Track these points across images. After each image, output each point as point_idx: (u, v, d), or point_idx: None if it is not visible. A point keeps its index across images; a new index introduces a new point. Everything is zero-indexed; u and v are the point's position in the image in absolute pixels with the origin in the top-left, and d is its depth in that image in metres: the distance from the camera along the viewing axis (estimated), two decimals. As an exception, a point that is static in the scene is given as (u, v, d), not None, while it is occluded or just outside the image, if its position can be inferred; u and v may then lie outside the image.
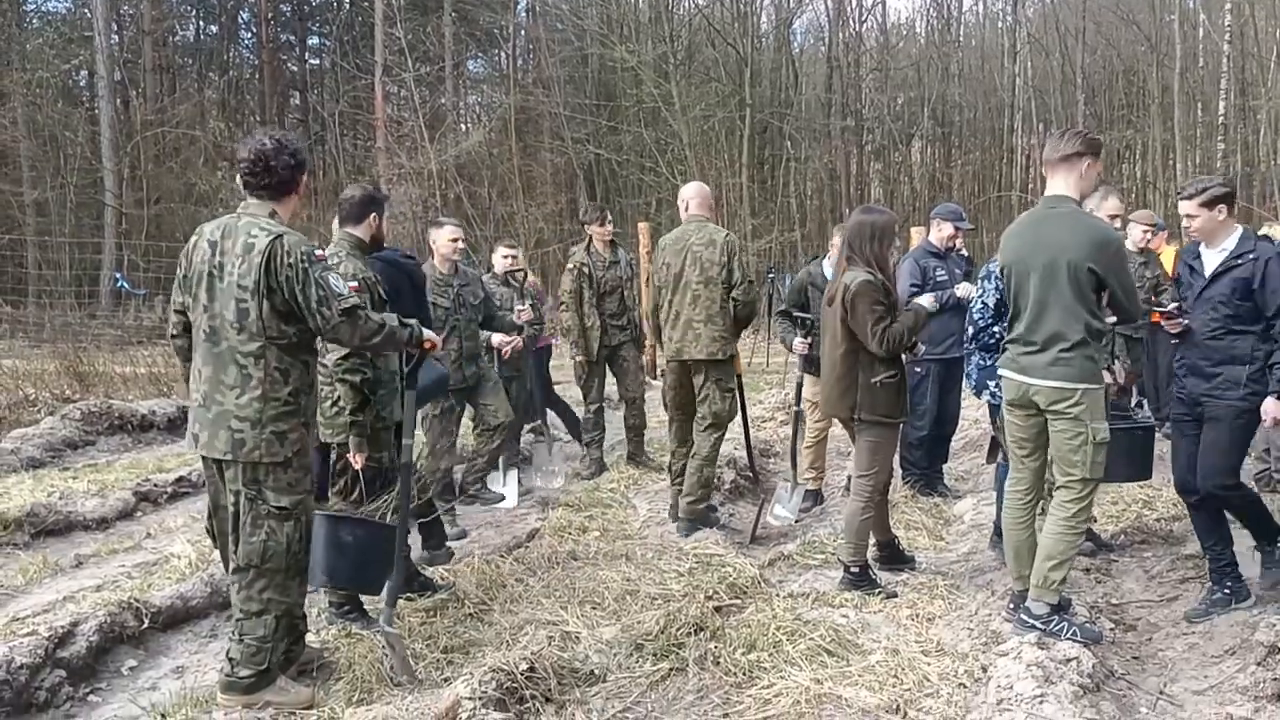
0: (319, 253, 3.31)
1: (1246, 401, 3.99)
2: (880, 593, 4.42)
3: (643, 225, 13.02)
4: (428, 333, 3.61)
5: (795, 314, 6.03)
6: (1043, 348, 3.71)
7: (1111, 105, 24.07)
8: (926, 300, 4.64)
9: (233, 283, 3.18)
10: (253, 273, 3.14)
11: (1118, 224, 5.15)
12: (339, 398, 3.99)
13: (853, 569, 4.48)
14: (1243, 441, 4.15)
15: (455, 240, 5.55)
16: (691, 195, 5.53)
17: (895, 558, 4.83)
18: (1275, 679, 3.39)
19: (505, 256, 6.57)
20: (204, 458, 3.34)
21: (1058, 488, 3.79)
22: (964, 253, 6.51)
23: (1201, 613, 4.14)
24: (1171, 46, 20.19)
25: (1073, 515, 3.72)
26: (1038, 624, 3.68)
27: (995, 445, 6.71)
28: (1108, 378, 4.83)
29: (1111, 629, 4.06)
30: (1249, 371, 3.97)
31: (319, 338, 3.40)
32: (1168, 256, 8.65)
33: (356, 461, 4.01)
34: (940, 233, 6.11)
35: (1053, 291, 3.68)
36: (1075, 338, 3.64)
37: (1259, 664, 3.55)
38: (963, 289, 5.87)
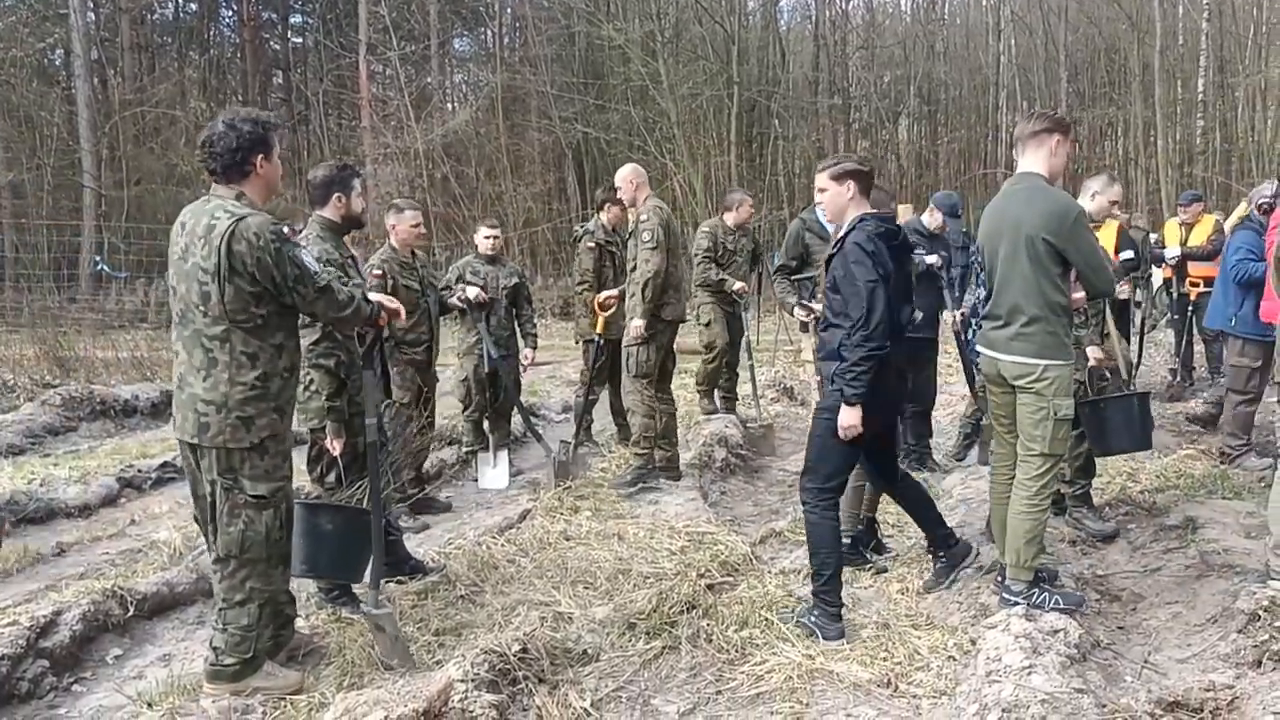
0: (287, 231, 3.25)
1: (833, 398, 3.73)
2: (870, 567, 4.44)
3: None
4: (385, 302, 3.50)
5: (796, 276, 6.00)
6: (1005, 322, 3.74)
7: (1094, 83, 24.14)
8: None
9: (196, 264, 3.12)
10: (213, 256, 3.08)
11: (1116, 210, 5.16)
12: (313, 382, 3.95)
13: (844, 539, 4.47)
14: (826, 445, 3.78)
15: (417, 225, 5.47)
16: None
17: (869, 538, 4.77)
18: (1255, 646, 3.44)
19: (487, 237, 6.54)
20: (180, 443, 3.29)
21: (1020, 460, 3.81)
22: (964, 229, 6.59)
23: (934, 583, 4.23)
24: (1152, 24, 20.20)
25: (1034, 493, 3.74)
26: (1019, 599, 3.72)
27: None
28: (1097, 353, 4.85)
29: (1097, 599, 4.11)
30: (837, 369, 3.73)
31: (297, 321, 3.35)
32: (1205, 226, 8.63)
33: (334, 447, 3.99)
34: (933, 219, 6.23)
35: (1013, 265, 3.70)
36: (1034, 312, 3.66)
37: (1240, 631, 3.60)
38: (932, 258, 5.94)
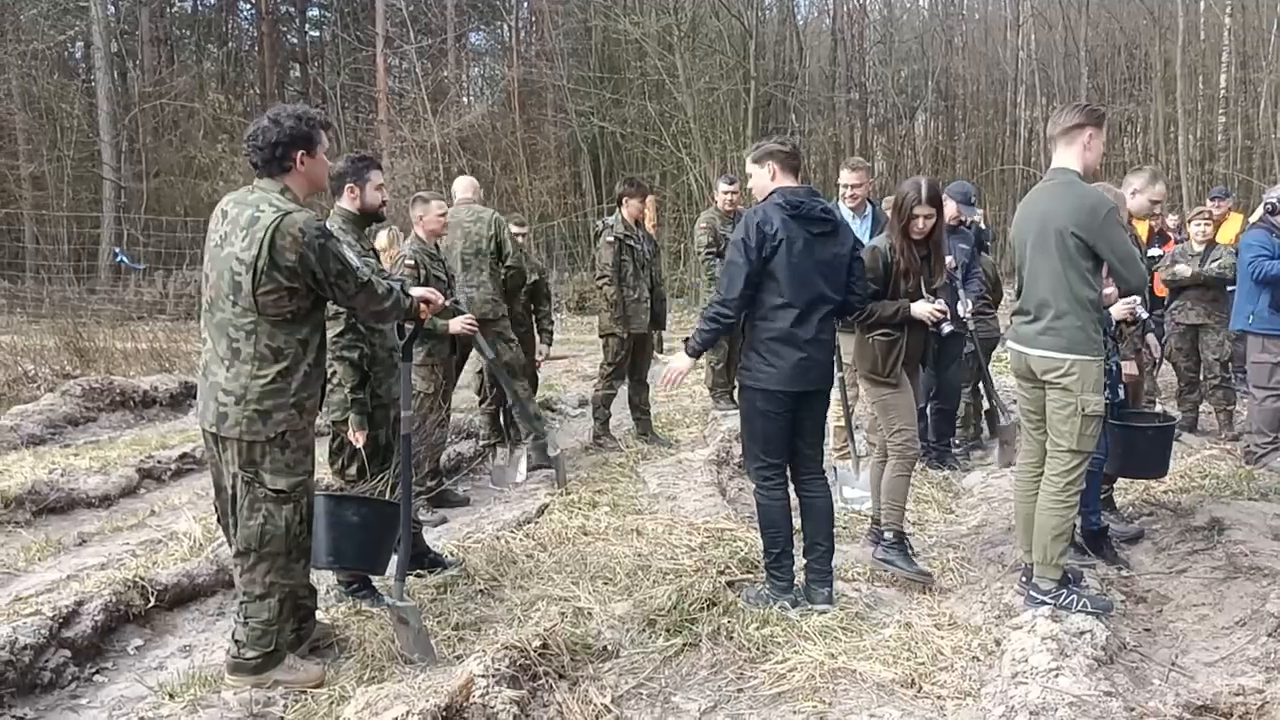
0: (329, 225, 3.25)
1: (742, 376, 3.97)
2: (914, 570, 4.22)
3: (649, 199, 12.92)
4: (420, 293, 3.53)
5: None
6: (1034, 317, 3.73)
7: (1114, 79, 23.90)
8: (917, 308, 4.27)
9: (231, 254, 3.11)
10: (253, 247, 3.06)
11: (1158, 210, 5.07)
12: (335, 374, 3.94)
13: (886, 533, 4.35)
14: (750, 423, 3.96)
15: (443, 215, 5.48)
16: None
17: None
18: (1286, 649, 3.39)
19: (514, 234, 6.54)
20: (204, 431, 3.29)
21: (1048, 459, 3.77)
22: (981, 225, 6.51)
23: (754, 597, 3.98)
24: (1174, 19, 20.00)
25: (1061, 489, 3.71)
26: (1046, 599, 3.68)
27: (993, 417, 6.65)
28: (1131, 369, 4.78)
29: (1122, 601, 4.06)
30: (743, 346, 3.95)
31: (324, 317, 3.34)
32: (1233, 224, 8.59)
33: (357, 440, 3.99)
34: (945, 208, 6.14)
35: (1041, 260, 3.69)
36: (1062, 306, 3.63)
37: (1270, 635, 3.57)
38: (949, 260, 5.88)
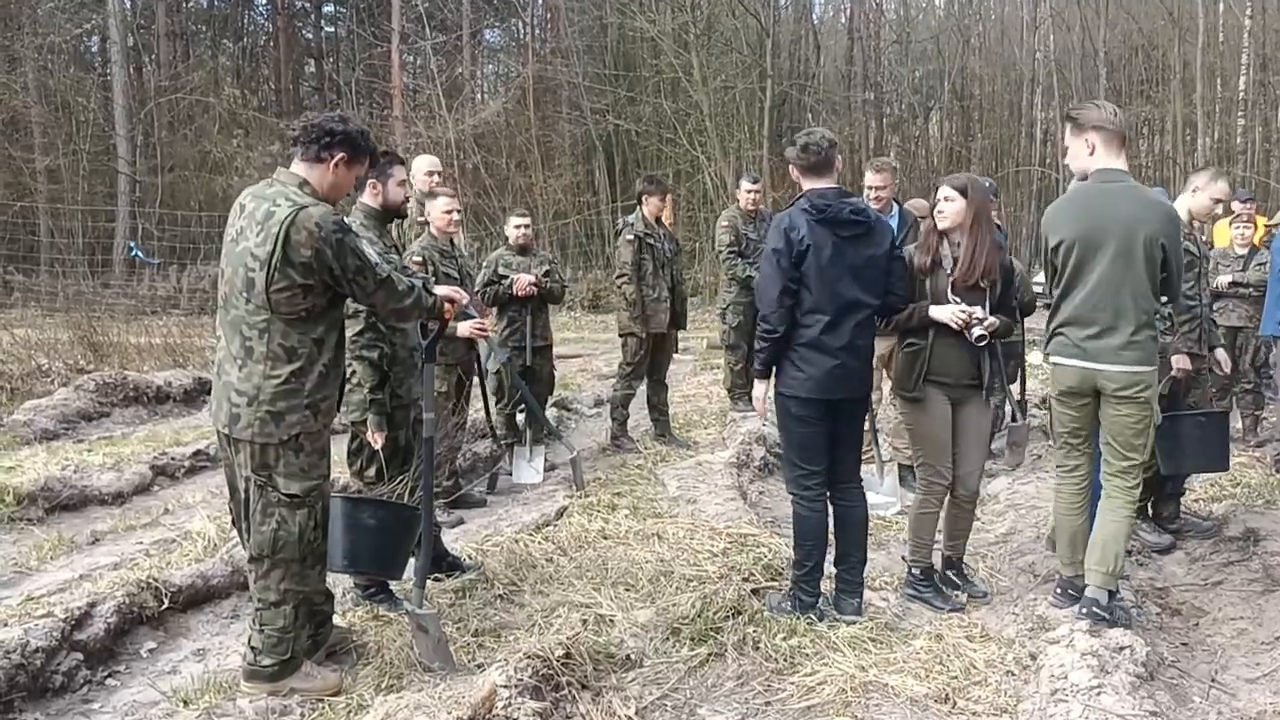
0: (347, 220, 3.17)
1: (775, 383, 3.88)
2: (947, 606, 3.99)
3: (668, 197, 12.84)
4: (444, 292, 3.45)
5: None
6: (1108, 328, 3.50)
7: (1131, 80, 23.68)
8: (938, 311, 3.93)
9: (246, 249, 3.02)
10: (268, 243, 2.97)
11: (1219, 209, 4.96)
12: (354, 374, 3.86)
13: (913, 569, 4.12)
14: (786, 432, 3.88)
15: (449, 212, 5.30)
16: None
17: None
18: (1330, 667, 3.28)
19: (518, 226, 6.44)
20: (217, 432, 3.21)
21: (1114, 474, 3.62)
22: (997, 224, 6.39)
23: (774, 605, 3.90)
24: (1193, 20, 19.80)
25: (1135, 498, 3.63)
26: (1105, 614, 3.47)
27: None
28: (1184, 363, 4.66)
29: (1158, 613, 3.96)
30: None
31: (341, 316, 3.25)
32: (1221, 232, 8.51)
33: (375, 441, 3.91)
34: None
35: (1126, 269, 3.48)
36: (1143, 318, 3.49)
37: (1312, 652, 3.44)
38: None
